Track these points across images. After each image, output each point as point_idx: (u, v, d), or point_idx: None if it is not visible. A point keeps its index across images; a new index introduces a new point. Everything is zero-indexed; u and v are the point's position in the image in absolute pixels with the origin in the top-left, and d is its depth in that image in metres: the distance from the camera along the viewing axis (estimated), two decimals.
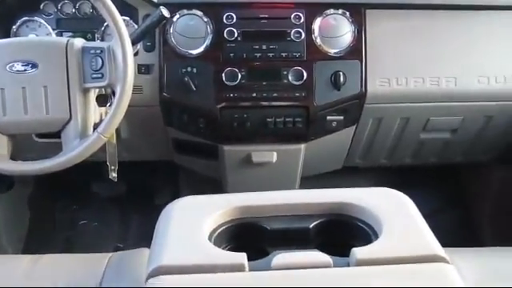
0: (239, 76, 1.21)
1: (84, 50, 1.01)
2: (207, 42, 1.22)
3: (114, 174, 1.18)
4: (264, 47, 1.22)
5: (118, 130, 1.18)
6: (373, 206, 0.76)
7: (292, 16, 1.22)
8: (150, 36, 1.21)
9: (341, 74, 1.21)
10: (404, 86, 1.26)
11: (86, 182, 1.77)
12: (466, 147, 1.45)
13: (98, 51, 1.00)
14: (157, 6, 1.13)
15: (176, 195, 0.84)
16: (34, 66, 0.99)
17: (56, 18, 1.25)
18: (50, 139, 1.15)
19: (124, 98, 0.98)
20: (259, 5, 1.24)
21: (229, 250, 0.75)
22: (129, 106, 1.00)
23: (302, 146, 1.32)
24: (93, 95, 1.06)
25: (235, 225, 0.77)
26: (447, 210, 1.76)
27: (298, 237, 0.76)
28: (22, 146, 1.14)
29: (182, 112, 1.26)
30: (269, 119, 1.24)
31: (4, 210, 1.63)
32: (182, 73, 1.20)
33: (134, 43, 1.06)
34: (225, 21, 1.22)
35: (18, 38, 1.19)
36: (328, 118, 1.26)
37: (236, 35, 1.22)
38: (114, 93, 1.02)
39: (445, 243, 0.72)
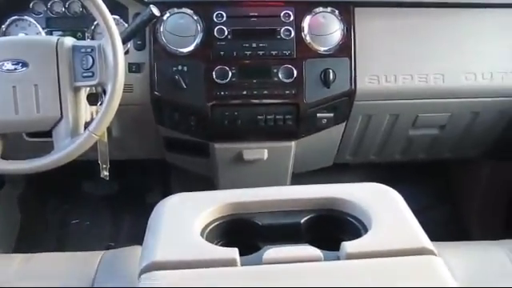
0: (229, 74, 1.22)
1: (74, 48, 1.01)
2: (197, 40, 1.22)
3: (106, 173, 1.18)
4: (254, 45, 1.22)
5: (109, 129, 1.18)
6: (362, 201, 0.77)
7: (282, 14, 1.23)
8: (141, 35, 1.21)
9: (330, 71, 1.22)
10: (393, 83, 1.27)
11: (77, 182, 1.77)
12: (454, 143, 1.47)
13: (89, 50, 1.00)
14: (147, 4, 1.13)
15: (168, 194, 0.84)
16: (25, 64, 0.99)
17: (46, 17, 1.25)
18: (41, 138, 1.15)
19: (115, 96, 0.99)
20: (249, 3, 1.25)
21: (221, 245, 0.75)
22: (120, 104, 1.01)
23: (293, 143, 1.33)
24: (84, 94, 1.06)
25: (227, 221, 0.78)
26: (436, 206, 1.78)
27: (289, 232, 0.77)
28: (12, 146, 1.13)
29: (172, 110, 1.26)
30: (259, 117, 1.25)
31: None
32: (172, 71, 1.21)
33: (124, 42, 1.06)
34: (215, 19, 1.23)
35: (7, 37, 1.18)
36: (318, 115, 1.27)
37: (226, 33, 1.22)
38: (104, 91, 1.02)
39: (434, 238, 0.74)
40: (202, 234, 0.74)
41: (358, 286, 0.63)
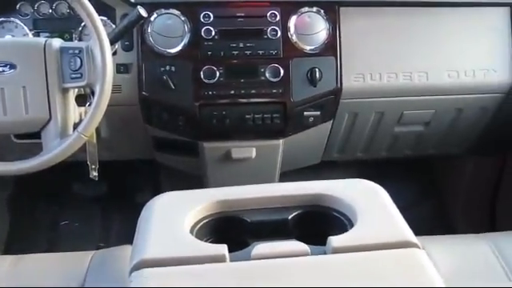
0: (217, 74, 1.23)
1: (62, 50, 1.02)
2: (185, 40, 1.23)
3: (95, 174, 1.18)
4: (241, 45, 1.24)
5: (97, 130, 1.18)
6: (348, 196, 0.79)
7: (268, 14, 1.25)
8: (128, 35, 1.22)
9: (317, 70, 1.24)
10: (378, 81, 1.29)
11: (66, 183, 1.76)
12: (438, 139, 1.49)
13: (77, 51, 1.01)
14: (134, 5, 1.14)
15: (157, 193, 0.85)
16: (12, 66, 1.00)
17: (33, 19, 1.25)
18: (29, 140, 1.15)
19: (103, 97, 0.99)
20: (235, 4, 1.26)
21: (210, 242, 0.76)
22: (108, 105, 1.01)
23: (281, 142, 1.34)
24: (72, 95, 1.07)
25: (216, 218, 0.80)
26: (422, 201, 1.81)
27: (277, 228, 0.78)
28: (0, 148, 1.14)
29: (161, 110, 1.27)
30: (247, 116, 1.26)
31: None
32: (160, 71, 1.22)
33: (112, 43, 1.06)
34: (202, 20, 1.24)
35: None
36: (305, 113, 1.29)
37: (213, 34, 1.23)
38: (93, 92, 1.02)
39: (420, 233, 0.76)
40: (191, 232, 0.75)
41: (344, 279, 0.64)
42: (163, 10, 1.23)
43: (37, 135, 1.04)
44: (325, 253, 0.69)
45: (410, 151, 1.54)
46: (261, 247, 0.70)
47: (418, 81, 1.30)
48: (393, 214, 0.75)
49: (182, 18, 1.24)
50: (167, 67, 1.22)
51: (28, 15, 1.25)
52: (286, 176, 1.48)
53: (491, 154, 1.61)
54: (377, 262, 0.66)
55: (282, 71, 1.24)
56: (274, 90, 1.24)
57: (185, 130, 1.29)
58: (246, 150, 1.33)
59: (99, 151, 1.17)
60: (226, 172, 1.39)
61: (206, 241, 0.76)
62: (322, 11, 1.27)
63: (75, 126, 1.04)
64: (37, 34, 1.25)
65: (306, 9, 1.26)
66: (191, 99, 1.23)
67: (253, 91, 1.24)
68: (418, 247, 0.70)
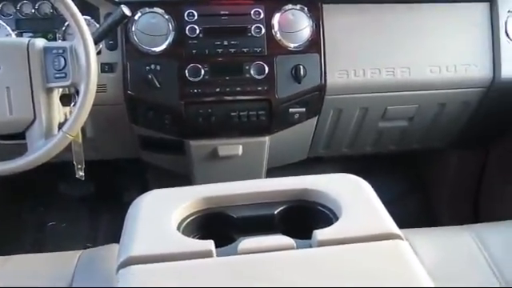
0: (202, 72, 1.23)
1: (46, 50, 1.01)
2: (169, 39, 1.23)
3: (81, 173, 1.18)
4: (226, 43, 1.24)
5: (83, 129, 1.18)
6: (332, 190, 0.80)
7: (252, 12, 1.26)
8: (112, 35, 1.22)
9: (301, 67, 1.25)
10: (361, 77, 1.31)
11: (52, 183, 1.75)
12: (422, 134, 1.52)
13: (60, 51, 1.01)
14: (118, 4, 1.14)
15: (144, 192, 0.85)
16: None
17: (15, 19, 1.24)
18: (13, 141, 1.14)
19: (88, 96, 0.99)
20: (219, 2, 1.26)
21: (197, 239, 0.77)
22: (93, 104, 1.01)
23: (267, 139, 1.35)
24: (57, 95, 1.06)
25: (202, 215, 0.80)
26: (408, 196, 1.84)
27: (263, 223, 0.79)
28: None
29: (147, 109, 1.27)
30: (233, 113, 1.27)
31: None
32: (145, 70, 1.22)
33: (96, 42, 1.06)
34: (186, 18, 1.24)
35: None
36: (290, 110, 1.30)
37: (198, 32, 1.24)
38: (77, 92, 1.02)
39: (406, 227, 0.77)
40: (178, 229, 0.75)
41: (328, 271, 0.65)
42: (147, 9, 1.23)
43: (21, 136, 1.03)
44: (310, 246, 0.71)
45: (395, 146, 1.56)
46: (247, 242, 0.70)
47: (400, 76, 1.32)
48: (376, 207, 0.77)
49: (166, 17, 1.24)
50: (152, 66, 1.22)
51: (11, 15, 1.24)
52: (273, 172, 1.49)
53: (474, 148, 1.64)
54: (360, 254, 0.67)
55: (266, 68, 1.25)
56: (259, 88, 1.25)
57: (171, 128, 1.29)
58: (233, 148, 1.34)
59: (85, 151, 1.17)
60: (212, 170, 1.40)
61: (193, 237, 0.77)
62: (306, 8, 1.28)
63: (60, 125, 1.03)
64: (20, 34, 1.24)
65: (290, 6, 1.27)
66: (177, 97, 1.23)
67: (238, 89, 1.25)
68: (401, 239, 0.71)
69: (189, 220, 0.79)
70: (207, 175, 1.41)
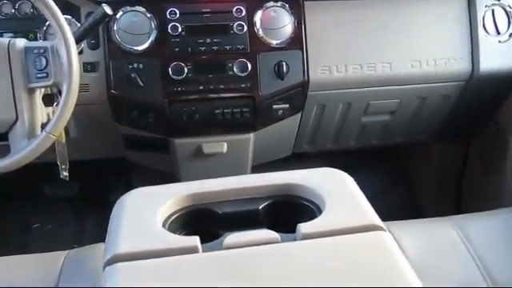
0: (185, 70, 1.24)
1: (27, 50, 1.01)
2: (152, 37, 1.23)
3: (66, 173, 1.17)
4: (208, 41, 1.25)
5: (66, 129, 1.17)
6: (316, 185, 0.81)
7: (234, 10, 1.26)
8: (94, 34, 1.21)
9: (284, 63, 1.26)
10: (344, 72, 1.32)
11: (36, 184, 1.74)
12: (404, 128, 1.54)
13: (42, 51, 1.00)
14: (99, 3, 1.13)
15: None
16: None
17: None
18: None
19: (70, 96, 0.99)
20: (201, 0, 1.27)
21: (183, 235, 0.77)
22: (76, 104, 1.01)
23: (251, 135, 1.36)
24: (39, 95, 1.06)
25: (187, 212, 0.81)
26: (392, 189, 1.86)
27: (248, 218, 0.80)
28: None
29: (130, 108, 1.27)
30: (217, 111, 1.27)
31: None
32: (128, 69, 1.22)
33: (77, 42, 1.06)
34: (168, 16, 1.24)
35: None
36: (274, 106, 1.30)
37: (180, 30, 1.24)
38: (60, 92, 1.02)
39: (391, 219, 0.78)
40: (163, 226, 0.76)
41: (312, 263, 0.67)
42: (129, 8, 1.23)
43: (3, 137, 1.03)
44: (294, 239, 0.72)
45: (378, 140, 1.58)
46: (232, 237, 0.71)
47: (382, 71, 1.34)
48: (359, 200, 0.78)
49: (148, 15, 1.24)
50: (135, 65, 1.22)
51: None
52: (258, 169, 1.50)
53: (455, 141, 1.67)
54: (343, 246, 0.69)
55: (249, 66, 1.25)
56: (243, 85, 1.26)
57: (155, 127, 1.29)
58: (217, 145, 1.34)
59: (69, 151, 1.16)
60: (198, 167, 1.40)
61: (178, 234, 0.77)
62: (287, 5, 1.29)
63: (43, 126, 1.03)
64: (0, 35, 1.23)
65: (271, 3, 1.28)
66: (160, 96, 1.24)
67: (221, 86, 1.26)
68: (384, 230, 0.73)
69: (174, 217, 0.79)
70: (192, 173, 1.42)
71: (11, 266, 1.01)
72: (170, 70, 1.23)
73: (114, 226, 0.76)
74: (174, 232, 0.76)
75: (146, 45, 1.23)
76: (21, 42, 1.02)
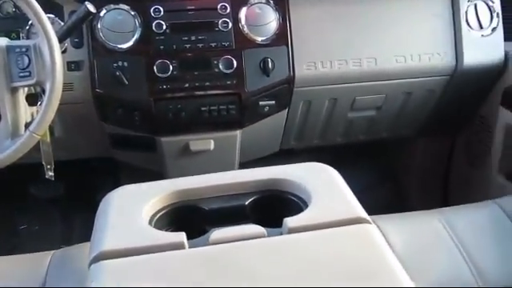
0: (171, 68, 1.23)
1: (9, 49, 0.99)
2: (136, 35, 1.23)
3: (51, 173, 1.16)
4: (193, 38, 1.25)
5: (51, 129, 1.17)
6: (302, 179, 0.81)
7: (218, 7, 1.26)
8: (78, 32, 1.21)
9: (269, 60, 1.26)
10: (329, 68, 1.33)
11: (22, 185, 1.72)
12: (390, 123, 1.55)
13: (24, 49, 0.99)
14: (82, 1, 1.12)
15: None
16: None
17: None
18: None
19: (54, 94, 0.98)
20: None
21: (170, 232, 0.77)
22: (60, 103, 1.00)
23: (238, 132, 1.36)
24: (22, 95, 1.04)
25: (174, 208, 0.80)
26: (379, 184, 1.87)
27: (234, 214, 0.80)
28: None
29: (116, 107, 1.26)
30: (203, 108, 1.27)
31: None
32: (113, 68, 1.21)
33: (61, 40, 1.05)
34: (152, 14, 1.24)
35: None
36: (260, 103, 1.31)
37: (164, 28, 1.24)
38: (44, 91, 1.01)
39: (379, 214, 0.78)
40: (150, 223, 0.75)
41: (298, 257, 0.67)
42: (112, 6, 1.23)
43: None
44: (281, 234, 0.72)
45: (364, 136, 1.59)
46: (218, 232, 0.71)
47: (367, 67, 1.35)
48: (344, 193, 0.78)
49: (132, 13, 1.23)
50: (119, 63, 1.21)
51: None
52: (246, 166, 1.50)
53: (441, 135, 1.69)
54: (329, 239, 0.69)
55: (235, 62, 1.25)
56: (229, 82, 1.26)
57: (141, 125, 1.28)
58: (204, 143, 1.34)
59: (54, 151, 1.15)
60: (185, 165, 1.40)
61: (165, 231, 0.77)
62: (272, 2, 1.29)
63: (27, 125, 1.02)
64: None
65: (256, 0, 1.28)
66: (146, 94, 1.23)
67: (207, 83, 1.26)
68: (369, 223, 0.73)
69: (160, 214, 0.79)
70: (180, 171, 1.41)
71: None
72: (155, 67, 1.22)
73: (100, 223, 0.76)
74: (161, 229, 0.75)
75: (131, 43, 1.22)
76: (2, 41, 1.00)
